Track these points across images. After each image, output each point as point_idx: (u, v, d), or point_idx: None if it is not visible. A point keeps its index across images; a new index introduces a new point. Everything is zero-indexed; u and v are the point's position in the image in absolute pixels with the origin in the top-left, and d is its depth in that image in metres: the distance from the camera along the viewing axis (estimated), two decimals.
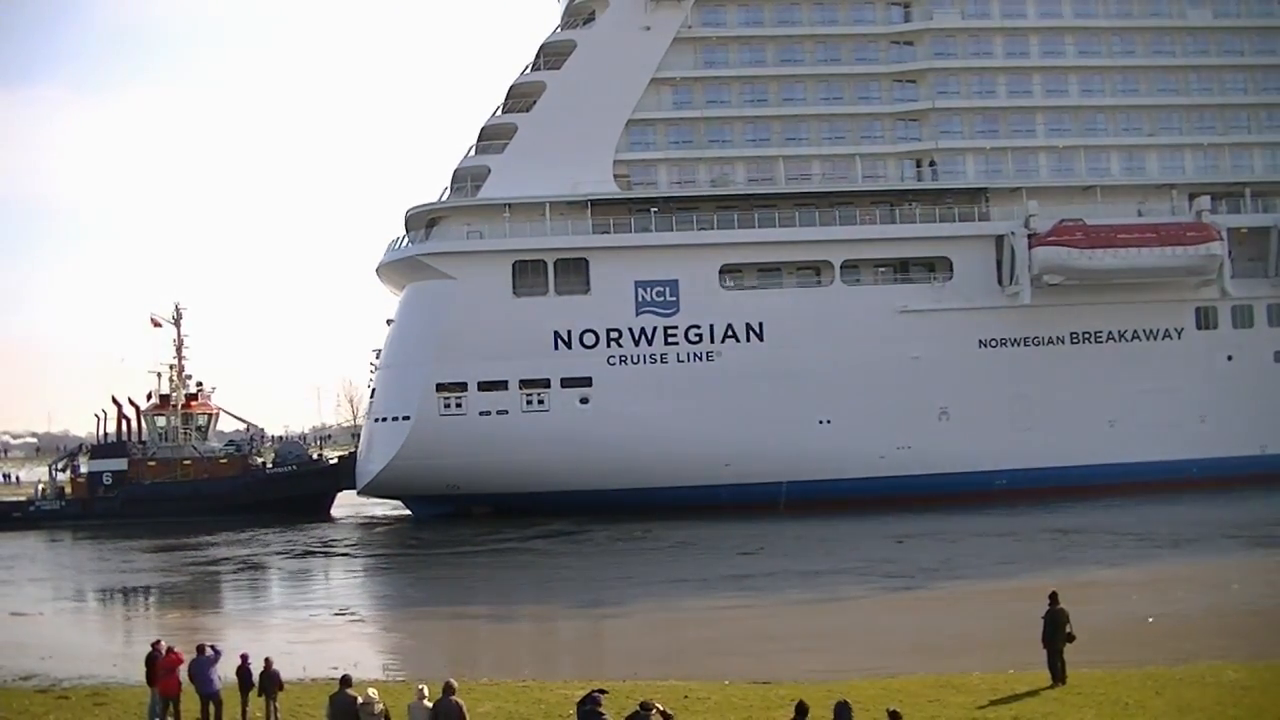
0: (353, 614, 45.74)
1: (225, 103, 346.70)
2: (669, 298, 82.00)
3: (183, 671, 26.67)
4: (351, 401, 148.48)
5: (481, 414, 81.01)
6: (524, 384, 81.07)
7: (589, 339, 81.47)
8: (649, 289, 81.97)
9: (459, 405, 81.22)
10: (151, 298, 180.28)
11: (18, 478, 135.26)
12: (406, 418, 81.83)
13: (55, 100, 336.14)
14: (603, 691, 21.22)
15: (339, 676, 23.83)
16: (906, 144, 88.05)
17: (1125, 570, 49.42)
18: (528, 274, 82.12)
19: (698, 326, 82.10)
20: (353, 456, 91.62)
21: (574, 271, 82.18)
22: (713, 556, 60.54)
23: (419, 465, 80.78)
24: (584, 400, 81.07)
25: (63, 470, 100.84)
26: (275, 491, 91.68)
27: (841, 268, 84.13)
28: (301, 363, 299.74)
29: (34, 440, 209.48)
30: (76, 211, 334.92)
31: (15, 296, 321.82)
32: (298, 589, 55.89)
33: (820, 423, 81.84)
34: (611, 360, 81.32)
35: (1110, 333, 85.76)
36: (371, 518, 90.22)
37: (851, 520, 72.32)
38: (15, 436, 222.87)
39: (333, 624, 44.05)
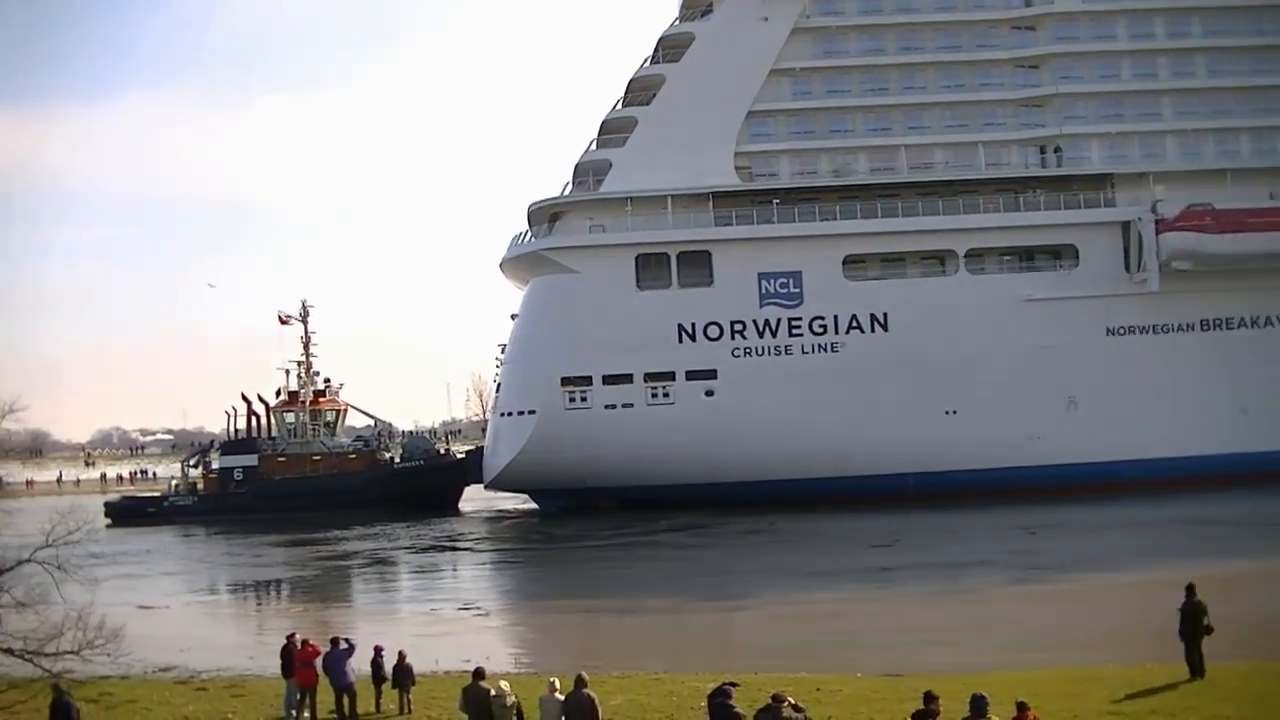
0: (478, 609, 45.94)
1: (351, 104, 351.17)
2: (792, 289, 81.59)
3: (317, 663, 27.07)
4: (480, 396, 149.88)
5: (606, 407, 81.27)
6: (649, 377, 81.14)
7: (713, 331, 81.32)
8: (772, 280, 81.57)
9: (584, 399, 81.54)
10: (280, 295, 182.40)
11: (154, 474, 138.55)
12: (532, 412, 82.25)
13: (188, 103, 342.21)
14: (733, 684, 21.16)
15: (472, 669, 23.98)
16: (1030, 130, 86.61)
17: (1266, 561, 48.11)
18: (650, 267, 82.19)
19: (822, 318, 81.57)
20: (479, 451, 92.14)
21: (697, 264, 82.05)
22: (844, 549, 60.18)
23: (544, 459, 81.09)
24: (709, 393, 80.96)
25: (195, 466, 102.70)
26: (403, 486, 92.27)
27: (966, 257, 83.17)
28: (432, 358, 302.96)
29: (169, 437, 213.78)
30: (210, 212, 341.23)
31: (152, 297, 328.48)
32: (426, 583, 56.25)
33: (946, 413, 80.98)
34: (736, 352, 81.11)
35: (1242, 318, 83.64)
36: (498, 512, 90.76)
37: (980, 512, 71.28)
38: (151, 434, 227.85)
39: (461, 617, 44.25)
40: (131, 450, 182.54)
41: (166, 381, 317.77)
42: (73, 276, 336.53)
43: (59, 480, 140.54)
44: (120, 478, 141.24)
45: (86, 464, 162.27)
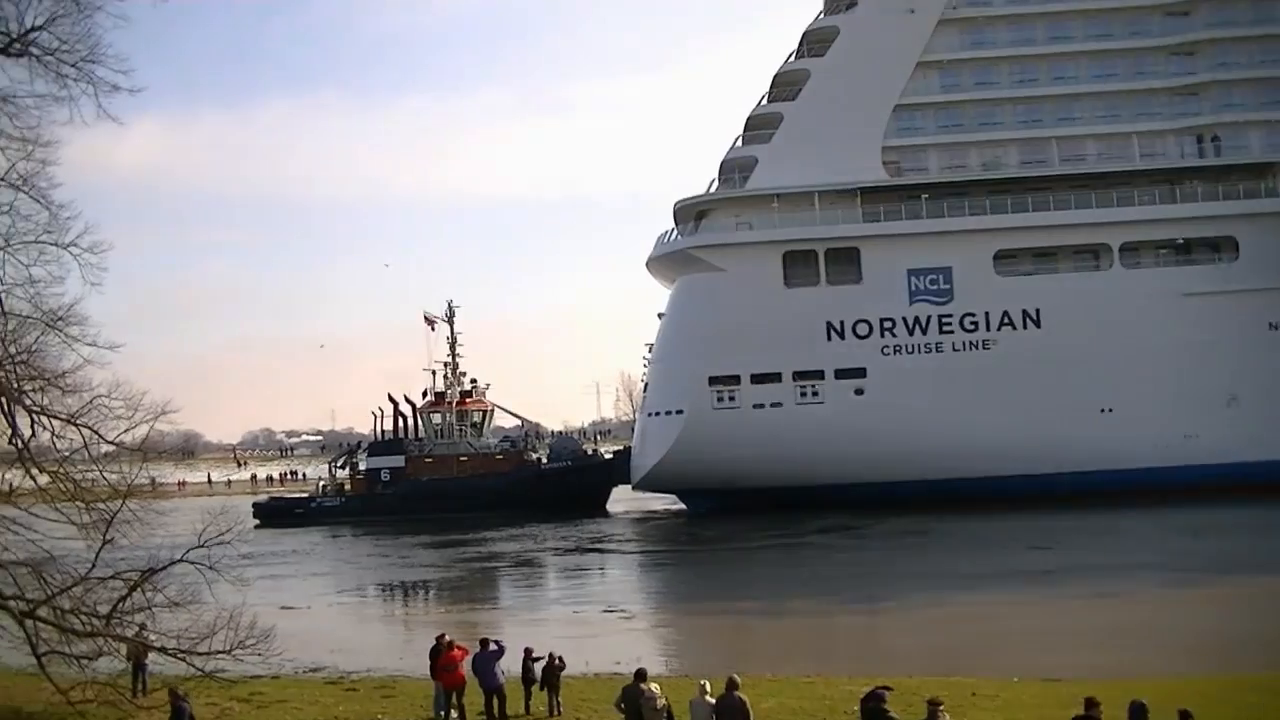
0: (623, 611, 45.88)
1: (495, 103, 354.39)
2: (942, 286, 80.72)
3: (466, 665, 27.14)
4: (630, 396, 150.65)
5: (755, 406, 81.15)
6: (797, 376, 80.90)
7: (862, 329, 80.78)
8: (922, 277, 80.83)
9: (732, 398, 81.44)
10: (427, 297, 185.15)
11: (304, 474, 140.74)
12: (679, 412, 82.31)
13: (332, 106, 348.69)
14: (887, 688, 20.79)
15: (633, 671, 23.74)
16: (1185, 119, 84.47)
17: None
18: (798, 264, 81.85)
19: (972, 314, 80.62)
20: (627, 451, 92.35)
21: (845, 261, 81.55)
22: (998, 551, 59.35)
23: (692, 459, 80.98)
24: (859, 391, 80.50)
25: (342, 468, 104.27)
26: (550, 487, 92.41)
27: (1120, 250, 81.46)
28: (582, 358, 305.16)
29: (318, 438, 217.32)
30: (354, 214, 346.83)
31: (302, 299, 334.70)
32: (573, 584, 56.44)
33: (1101, 411, 79.34)
34: (886, 350, 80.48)
35: None
36: (646, 512, 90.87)
37: (1138, 512, 69.88)
38: (299, 435, 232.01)
39: (608, 619, 44.38)
40: (281, 451, 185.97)
41: (314, 383, 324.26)
42: (219, 277, 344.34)
43: (209, 481, 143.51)
44: (270, 479, 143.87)
45: (238, 465, 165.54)
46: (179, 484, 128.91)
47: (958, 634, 38.63)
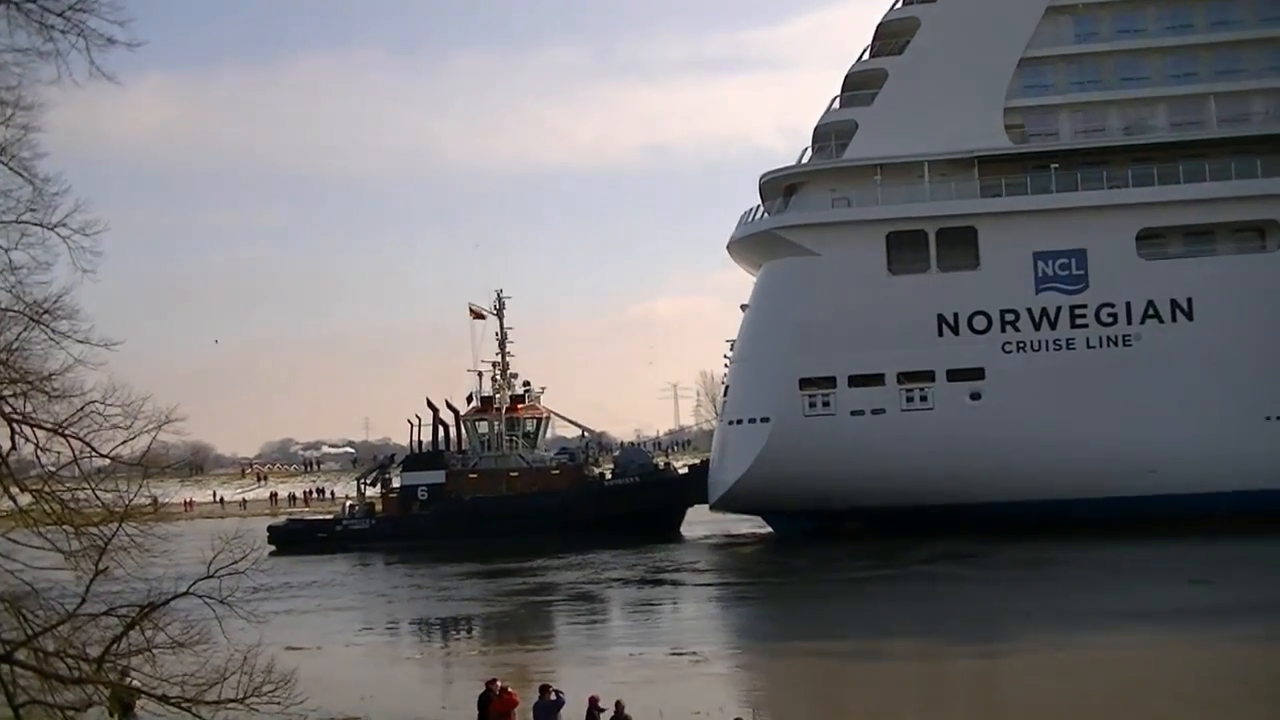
0: (693, 654, 45.41)
1: (555, 62, 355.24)
2: (1075, 271, 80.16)
3: (520, 715, 27.16)
4: (713, 401, 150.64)
5: (853, 414, 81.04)
6: (903, 377, 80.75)
7: (979, 323, 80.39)
8: (1051, 261, 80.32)
9: (826, 404, 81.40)
10: (477, 286, 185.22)
11: (332, 493, 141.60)
12: (765, 419, 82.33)
13: (373, 65, 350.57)
14: None
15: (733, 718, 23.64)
16: None
17: None
18: (905, 247, 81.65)
19: (1111, 305, 79.99)
20: (706, 465, 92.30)
21: (960, 243, 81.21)
22: (1144, 585, 58.65)
23: (780, 474, 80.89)
24: (975, 396, 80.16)
25: (372, 484, 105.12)
26: (615, 507, 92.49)
27: None
28: (659, 357, 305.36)
29: (350, 450, 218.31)
30: (394, 190, 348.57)
31: (332, 290, 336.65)
32: (641, 621, 56.39)
33: (1266, 419, 78.35)
34: (1007, 347, 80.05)
35: None
36: (727, 537, 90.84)
37: None
38: (332, 446, 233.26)
39: (677, 663, 44.15)
40: (305, 466, 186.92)
41: (345, 387, 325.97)
42: (234, 265, 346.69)
43: (220, 501, 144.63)
44: (293, 497, 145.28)
45: (258, 480, 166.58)
46: (185, 504, 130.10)
47: (1093, 682, 38.12)
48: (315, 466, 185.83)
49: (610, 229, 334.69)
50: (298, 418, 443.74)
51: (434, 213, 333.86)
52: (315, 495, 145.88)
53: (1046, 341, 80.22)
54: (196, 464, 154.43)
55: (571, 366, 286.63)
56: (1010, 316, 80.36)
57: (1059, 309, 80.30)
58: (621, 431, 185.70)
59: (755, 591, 66.07)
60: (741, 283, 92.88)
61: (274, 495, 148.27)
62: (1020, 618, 50.93)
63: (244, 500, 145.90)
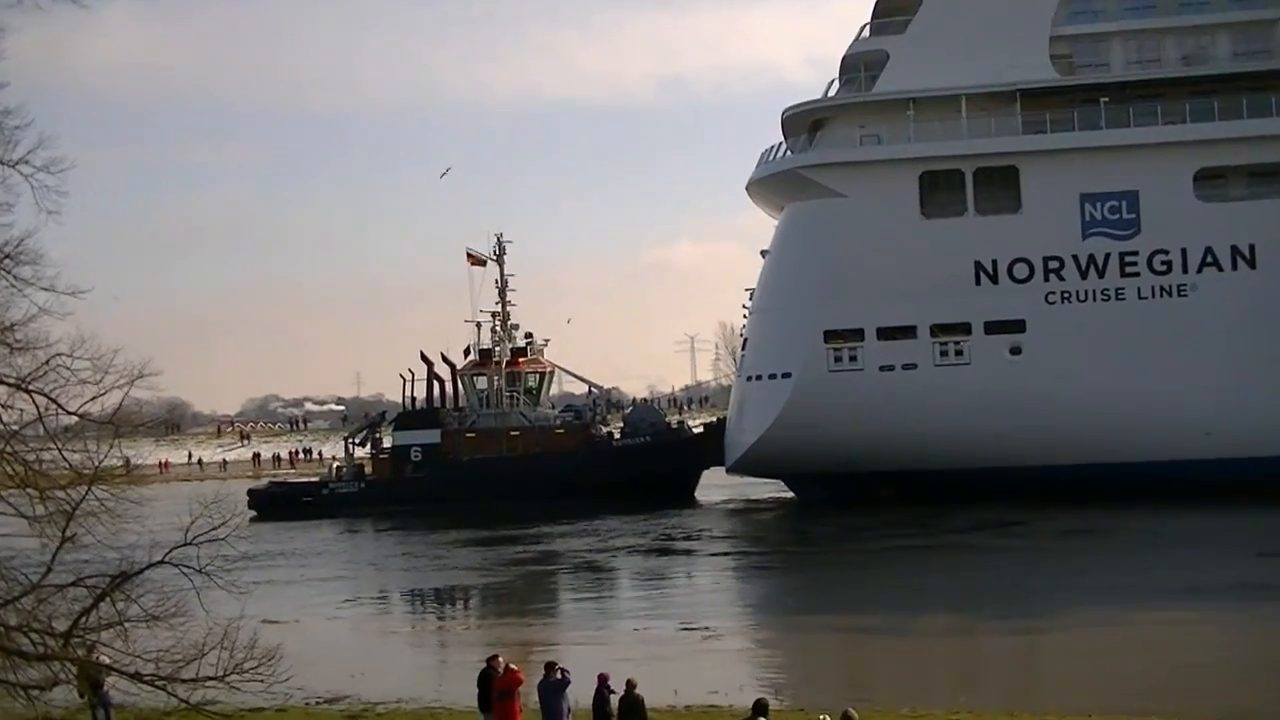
0: (706, 629, 45.33)
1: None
2: (1126, 215, 79.80)
3: (523, 693, 27.04)
4: (733, 354, 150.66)
5: (882, 369, 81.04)
6: (937, 330, 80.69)
7: (1020, 271, 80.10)
8: (1099, 204, 79.93)
9: (853, 358, 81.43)
10: (478, 230, 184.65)
11: (320, 454, 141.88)
12: (787, 375, 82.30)
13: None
14: None
15: (753, 700, 23.56)
16: None
17: None
18: (940, 188, 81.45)
19: (1165, 252, 79.63)
20: (723, 424, 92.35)
21: (1000, 184, 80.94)
22: (1202, 556, 58.21)
23: (803, 435, 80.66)
24: (1014, 350, 79.99)
25: (361, 444, 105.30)
26: (624, 469, 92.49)
27: None
28: (675, 308, 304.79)
29: (340, 408, 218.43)
30: (389, 127, 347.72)
31: (320, 236, 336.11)
32: (652, 593, 56.44)
33: None
34: (1051, 298, 79.81)
35: None
36: (746, 502, 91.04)
37: None
38: (319, 403, 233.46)
39: (687, 638, 44.18)
40: (291, 425, 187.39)
41: (337, 340, 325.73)
42: (213, 207, 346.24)
43: (199, 463, 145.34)
44: (277, 458, 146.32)
45: (241, 438, 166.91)
46: (160, 466, 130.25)
47: (1140, 663, 37.91)
48: (302, 425, 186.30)
49: (621, 168, 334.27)
50: (283, 373, 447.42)
51: (429, 150, 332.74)
52: (302, 456, 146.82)
53: (1094, 291, 79.86)
54: (172, 422, 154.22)
55: (580, 317, 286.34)
56: (1054, 264, 79.93)
57: (1108, 256, 79.83)
58: (633, 388, 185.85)
59: (775, 562, 66.33)
60: (766, 227, 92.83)
61: (257, 456, 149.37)
62: (1063, 592, 50.62)
63: (224, 461, 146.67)
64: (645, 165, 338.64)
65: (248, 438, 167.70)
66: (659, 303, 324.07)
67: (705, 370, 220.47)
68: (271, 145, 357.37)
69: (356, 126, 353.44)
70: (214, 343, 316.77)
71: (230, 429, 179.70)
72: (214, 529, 26.21)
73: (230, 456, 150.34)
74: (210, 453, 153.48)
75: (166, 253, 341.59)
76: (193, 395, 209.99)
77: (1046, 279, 79.99)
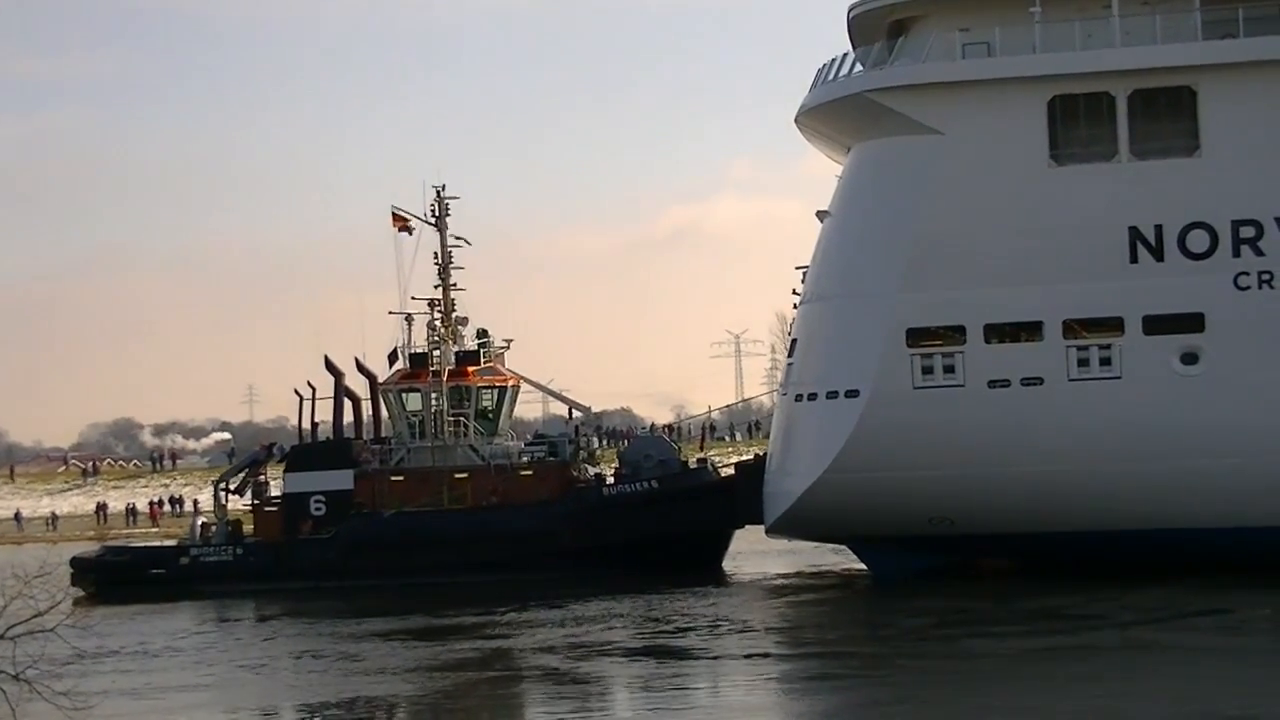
0: None
1: None
2: None
3: None
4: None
5: (992, 385, 79.01)
6: (1072, 328, 78.53)
7: (1197, 241, 77.51)
8: None
9: (950, 369, 79.50)
10: (400, 191, 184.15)
11: (195, 503, 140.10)
12: (853, 394, 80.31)
13: None
14: None
15: None
16: None
17: None
18: (1077, 119, 79.32)
19: None
20: (762, 462, 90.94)
21: (1168, 114, 78.80)
22: None
23: (876, 480, 79.06)
24: (1188, 358, 77.31)
25: (238, 491, 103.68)
26: (619, 528, 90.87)
27: None
28: (710, 294, 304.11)
29: (225, 437, 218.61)
30: (287, 37, 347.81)
31: (199, 183, 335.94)
32: (656, 715, 53.09)
33: None
34: (1242, 281, 77.17)
35: None
36: (796, 577, 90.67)
37: None
38: (193, 433, 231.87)
39: None
40: (154, 461, 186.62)
41: (221, 341, 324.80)
42: (48, 138, 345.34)
43: (17, 517, 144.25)
44: (132, 511, 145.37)
45: (83, 475, 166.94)
46: None
47: None
48: (168, 463, 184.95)
49: (632, 93, 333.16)
50: (142, 387, 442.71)
51: (347, 59, 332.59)
52: (166, 508, 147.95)
53: None
54: None
55: (570, 305, 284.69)
56: (1248, 232, 77.35)
57: None
58: (648, 409, 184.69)
59: (839, 669, 62.11)
60: (822, 178, 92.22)
61: (102, 508, 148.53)
62: None
63: (52, 517, 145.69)
64: (669, 79, 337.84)
65: (94, 471, 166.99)
66: (688, 285, 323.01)
67: (756, 381, 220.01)
68: (127, 55, 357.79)
69: (240, 28, 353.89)
70: (40, 340, 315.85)
71: (64, 468, 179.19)
72: (36, 616, 26.92)
73: (64, 508, 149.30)
74: (36, 502, 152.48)
75: None
76: (8, 419, 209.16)
77: (1236, 254, 77.34)
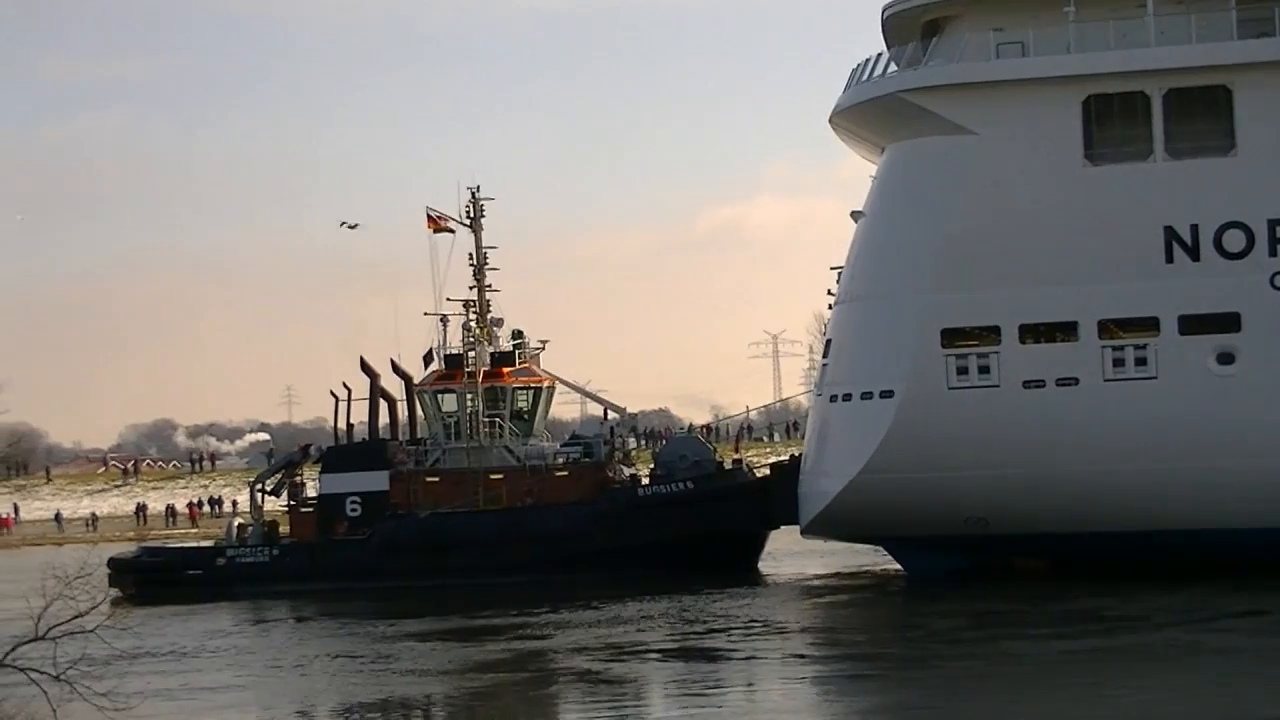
0: None
1: None
2: None
3: None
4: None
5: (1027, 385, 78.82)
6: (1108, 328, 78.25)
7: (1234, 241, 77.11)
8: None
9: (985, 369, 79.26)
10: (437, 194, 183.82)
11: (234, 504, 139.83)
12: (887, 394, 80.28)
13: None
14: None
15: None
16: None
17: None
18: (1112, 119, 78.98)
19: None
20: (797, 463, 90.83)
21: (1202, 111, 78.40)
22: None
23: (911, 481, 79.02)
24: (1225, 358, 76.92)
25: (274, 492, 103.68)
26: (654, 529, 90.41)
27: None
28: (748, 295, 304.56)
29: (264, 438, 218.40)
30: (329, 37, 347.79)
31: (223, 187, 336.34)
32: (693, 716, 53.21)
33: None
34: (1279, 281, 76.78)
35: None
36: (832, 578, 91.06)
37: None
38: (230, 435, 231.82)
39: None
40: (193, 462, 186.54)
41: (259, 342, 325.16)
42: (84, 143, 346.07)
43: (57, 518, 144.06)
44: (171, 511, 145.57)
45: (124, 474, 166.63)
46: (3, 520, 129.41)
47: None
48: (207, 463, 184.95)
49: (669, 92, 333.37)
50: (181, 389, 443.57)
51: (388, 64, 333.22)
52: (205, 508, 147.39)
53: None
54: (19, 459, 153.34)
55: (607, 305, 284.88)
56: None
57: None
58: (686, 410, 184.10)
59: (874, 669, 62.07)
60: (858, 178, 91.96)
61: (141, 509, 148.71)
62: None
63: (93, 518, 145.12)
64: (707, 79, 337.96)
65: (134, 472, 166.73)
66: (726, 286, 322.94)
67: (794, 382, 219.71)
68: (160, 59, 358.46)
69: (277, 30, 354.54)
70: (79, 344, 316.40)
71: (104, 469, 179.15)
72: (76, 617, 26.27)
73: (103, 509, 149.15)
74: (76, 503, 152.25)
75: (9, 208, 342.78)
76: (48, 421, 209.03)
77: (1273, 253, 77.01)
